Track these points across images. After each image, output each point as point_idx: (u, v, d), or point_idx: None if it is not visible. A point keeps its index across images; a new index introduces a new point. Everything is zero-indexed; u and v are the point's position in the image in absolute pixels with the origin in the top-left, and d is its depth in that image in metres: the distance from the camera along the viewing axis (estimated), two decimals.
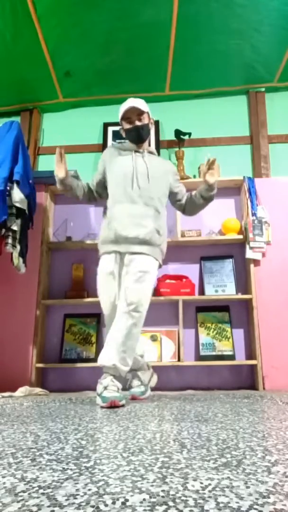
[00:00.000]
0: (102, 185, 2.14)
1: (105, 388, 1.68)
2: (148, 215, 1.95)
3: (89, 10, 2.57)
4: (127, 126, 2.06)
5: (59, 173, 1.96)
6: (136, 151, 2.10)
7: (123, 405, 1.66)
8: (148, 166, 2.04)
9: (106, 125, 3.29)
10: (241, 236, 2.78)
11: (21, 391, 2.27)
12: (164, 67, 3.06)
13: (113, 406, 1.61)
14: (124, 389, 1.84)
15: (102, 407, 1.63)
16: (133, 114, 2.03)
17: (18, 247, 2.35)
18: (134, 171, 2.02)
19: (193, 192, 2.11)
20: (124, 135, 2.11)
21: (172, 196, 2.15)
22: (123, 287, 1.83)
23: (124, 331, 1.74)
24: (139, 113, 2.04)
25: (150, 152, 2.16)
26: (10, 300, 2.74)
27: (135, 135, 2.06)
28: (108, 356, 1.73)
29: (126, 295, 1.79)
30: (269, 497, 0.54)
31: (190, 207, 2.15)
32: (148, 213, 1.96)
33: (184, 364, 2.58)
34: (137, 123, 2.03)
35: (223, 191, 3.02)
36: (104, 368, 1.76)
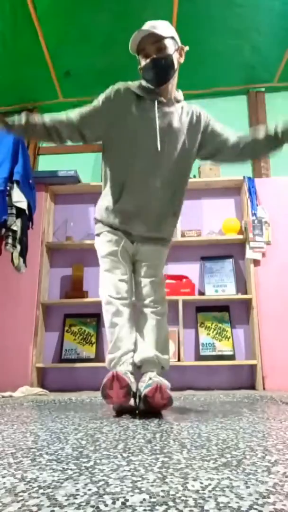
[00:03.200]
0: (93, 126, 1.57)
1: None
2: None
3: (89, 10, 2.57)
4: (143, 62, 1.50)
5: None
6: (159, 102, 1.53)
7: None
8: (173, 123, 1.53)
9: None
10: (241, 236, 2.78)
11: (21, 391, 2.27)
12: None
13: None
14: None
15: None
16: (149, 43, 1.45)
17: (18, 247, 2.35)
18: (159, 133, 1.50)
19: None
20: (141, 74, 1.54)
21: (218, 143, 1.60)
22: None
23: None
24: (157, 40, 1.44)
25: (178, 101, 1.59)
26: (10, 300, 2.74)
27: (152, 72, 1.47)
28: None
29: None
30: (269, 497, 0.54)
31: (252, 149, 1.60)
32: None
33: (184, 364, 2.58)
34: (157, 54, 1.45)
35: (223, 191, 3.03)
36: None
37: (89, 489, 0.58)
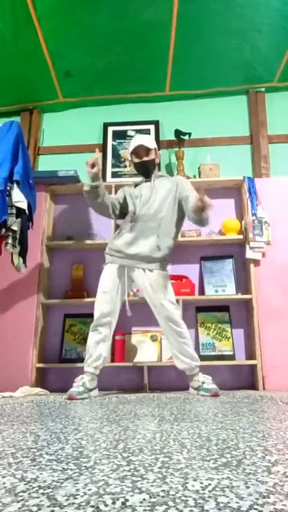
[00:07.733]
0: (118, 208, 2.37)
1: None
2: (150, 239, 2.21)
3: (89, 10, 2.57)
4: (136, 160, 2.33)
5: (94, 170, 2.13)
6: (146, 181, 2.37)
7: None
8: (153, 191, 2.28)
9: (106, 125, 3.29)
10: (241, 236, 2.78)
11: (21, 391, 2.27)
12: (164, 67, 3.06)
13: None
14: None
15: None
16: (142, 150, 2.30)
17: (18, 247, 2.35)
18: (139, 199, 2.29)
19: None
20: (133, 167, 2.43)
21: (184, 204, 2.25)
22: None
23: None
24: (146, 149, 2.30)
25: (160, 176, 2.38)
26: (10, 300, 2.74)
27: (143, 170, 2.35)
28: None
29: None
30: (269, 497, 0.54)
31: (193, 215, 2.14)
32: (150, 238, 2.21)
33: None
34: (145, 158, 2.30)
35: (223, 191, 3.03)
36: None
37: (89, 489, 0.58)
